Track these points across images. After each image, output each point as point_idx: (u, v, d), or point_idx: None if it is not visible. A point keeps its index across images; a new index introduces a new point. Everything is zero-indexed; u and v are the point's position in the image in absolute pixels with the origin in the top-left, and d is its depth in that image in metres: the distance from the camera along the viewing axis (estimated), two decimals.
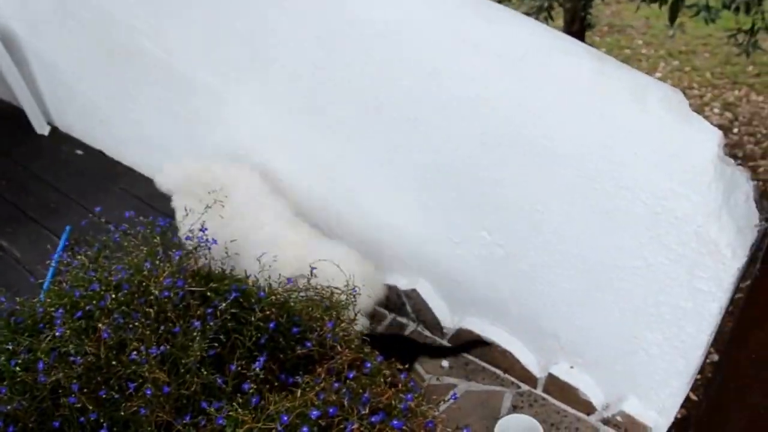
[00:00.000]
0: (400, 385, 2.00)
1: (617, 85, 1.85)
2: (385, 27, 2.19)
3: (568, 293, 2.23)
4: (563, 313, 2.30)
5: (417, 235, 2.57)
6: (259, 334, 2.04)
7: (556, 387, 2.43)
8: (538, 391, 2.51)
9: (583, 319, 2.26)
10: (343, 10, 2.27)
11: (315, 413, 1.75)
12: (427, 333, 2.76)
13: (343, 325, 2.15)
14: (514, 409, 2.47)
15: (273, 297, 2.12)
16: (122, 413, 1.86)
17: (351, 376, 1.91)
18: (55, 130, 4.05)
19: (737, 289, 1.86)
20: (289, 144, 2.74)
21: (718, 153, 1.72)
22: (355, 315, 2.24)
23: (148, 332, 1.96)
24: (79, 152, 3.85)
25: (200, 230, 2.22)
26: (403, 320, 2.82)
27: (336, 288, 2.26)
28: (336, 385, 1.87)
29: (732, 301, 1.91)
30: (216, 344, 1.96)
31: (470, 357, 2.65)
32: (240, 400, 1.81)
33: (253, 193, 2.68)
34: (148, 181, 3.59)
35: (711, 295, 1.88)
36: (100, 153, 3.83)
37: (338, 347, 2.09)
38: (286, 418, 1.74)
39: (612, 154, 1.87)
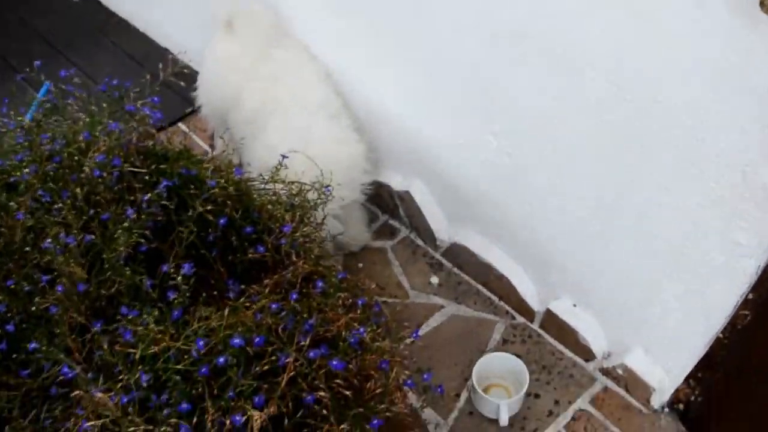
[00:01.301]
0: (358, 311, 1.69)
1: None
2: None
3: (580, 223, 1.87)
4: (572, 244, 1.95)
5: (416, 128, 2.20)
6: (208, 229, 1.75)
7: (555, 325, 2.11)
8: (534, 326, 2.19)
9: (595, 255, 1.91)
10: None
11: (237, 341, 1.45)
12: (419, 242, 2.43)
13: (305, 229, 1.83)
14: (504, 343, 2.17)
15: (230, 187, 1.79)
16: (34, 308, 1.61)
17: (294, 297, 1.60)
18: None
19: None
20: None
21: None
22: (324, 218, 1.91)
23: (71, 216, 1.67)
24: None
25: None
26: (396, 224, 2.49)
27: (305, 184, 1.93)
28: (274, 306, 1.57)
29: None
30: (143, 239, 1.66)
31: (464, 275, 2.32)
32: (156, 313, 1.53)
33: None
34: (143, 38, 3.24)
35: (749, 250, 1.51)
36: (97, 2, 3.46)
37: (293, 256, 1.78)
38: (201, 344, 1.46)
39: (650, 58, 1.45)
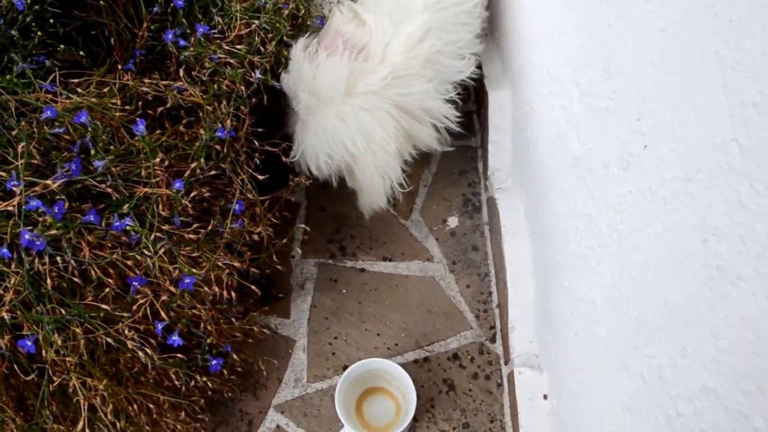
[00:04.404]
0: None
1: None
2: None
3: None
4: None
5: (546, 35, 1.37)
6: None
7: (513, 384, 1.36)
8: (504, 371, 1.45)
9: None
10: None
11: None
12: (480, 165, 1.66)
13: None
14: (453, 358, 1.47)
15: None
16: None
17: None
18: None
19: None
20: None
21: None
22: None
23: None
24: None
25: None
26: (475, 124, 1.72)
27: None
28: None
29: None
30: None
31: (488, 248, 1.57)
32: None
33: None
34: None
35: None
36: None
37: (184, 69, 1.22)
38: None
39: None
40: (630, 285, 0.91)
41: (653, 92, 0.82)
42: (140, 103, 1.20)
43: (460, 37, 1.38)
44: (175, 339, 1.08)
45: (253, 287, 1.21)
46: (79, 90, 1.14)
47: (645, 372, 0.86)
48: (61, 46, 1.21)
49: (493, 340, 1.48)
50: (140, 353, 1.10)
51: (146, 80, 1.21)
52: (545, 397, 1.29)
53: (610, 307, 0.98)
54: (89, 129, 1.08)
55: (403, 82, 1.31)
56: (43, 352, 1.05)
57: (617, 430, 0.94)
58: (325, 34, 1.30)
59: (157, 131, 1.20)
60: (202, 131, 1.18)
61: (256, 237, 1.24)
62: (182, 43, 1.19)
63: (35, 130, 1.07)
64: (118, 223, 1.06)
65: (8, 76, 1.09)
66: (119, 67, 1.24)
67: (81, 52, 1.24)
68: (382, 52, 1.29)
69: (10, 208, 1.02)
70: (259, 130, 1.27)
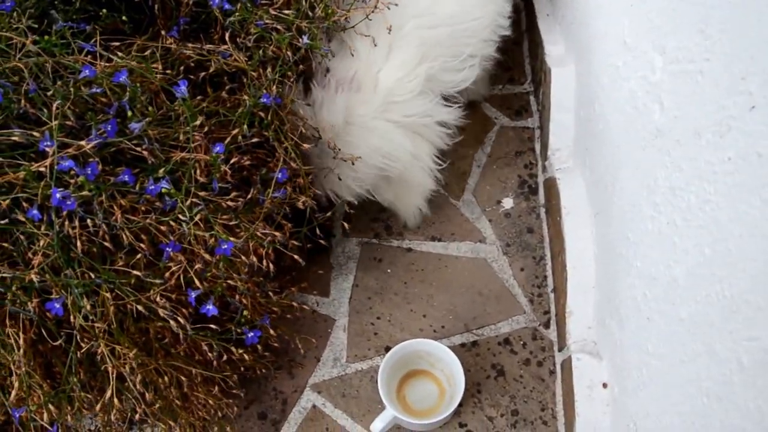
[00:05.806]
0: None
1: None
2: None
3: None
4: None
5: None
6: None
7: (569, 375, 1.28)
8: (557, 358, 1.37)
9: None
10: None
11: None
12: (537, 146, 1.57)
13: None
14: (504, 343, 1.39)
15: None
16: None
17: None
18: None
19: None
20: None
21: None
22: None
23: None
24: None
25: None
26: (532, 104, 1.63)
27: None
28: None
29: None
30: None
31: (543, 230, 1.48)
32: None
33: None
34: None
35: None
36: None
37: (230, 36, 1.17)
38: None
39: None
40: (724, 261, 0.82)
41: (762, 46, 0.73)
42: (182, 68, 1.16)
43: (460, 51, 1.30)
44: (209, 308, 1.04)
45: (295, 257, 1.16)
46: (119, 53, 1.10)
47: (743, 356, 0.77)
48: (104, 11, 1.18)
49: (547, 325, 1.40)
50: (172, 322, 1.06)
51: (189, 44, 1.17)
52: (605, 385, 1.21)
53: (696, 286, 0.89)
54: (128, 90, 1.04)
55: (400, 107, 1.26)
56: (71, 317, 1.01)
57: (700, 419, 0.86)
58: (317, 72, 1.26)
59: (198, 97, 1.15)
60: (245, 97, 1.13)
61: (300, 205, 1.18)
62: (228, 6, 1.14)
63: (71, 90, 1.03)
64: (153, 187, 1.02)
65: (46, 37, 1.06)
66: (162, 34, 1.20)
67: (123, 17, 1.20)
68: (373, 79, 1.24)
69: (41, 169, 0.99)
70: None
